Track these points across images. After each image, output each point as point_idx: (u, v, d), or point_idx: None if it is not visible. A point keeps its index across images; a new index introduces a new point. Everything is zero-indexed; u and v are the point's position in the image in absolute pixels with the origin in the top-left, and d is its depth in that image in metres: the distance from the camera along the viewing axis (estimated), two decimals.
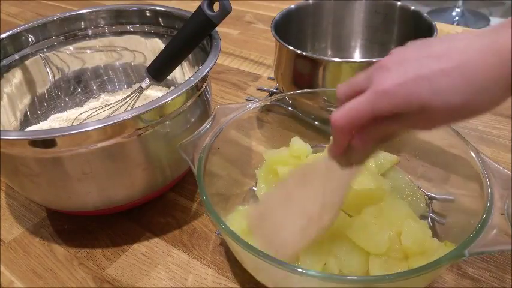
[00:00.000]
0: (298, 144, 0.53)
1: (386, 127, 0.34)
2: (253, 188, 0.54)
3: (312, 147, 0.54)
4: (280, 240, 0.39)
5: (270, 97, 0.56)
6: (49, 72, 0.66)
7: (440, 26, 0.89)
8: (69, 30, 0.66)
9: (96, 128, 0.42)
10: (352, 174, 0.38)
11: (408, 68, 0.31)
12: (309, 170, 0.41)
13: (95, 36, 0.67)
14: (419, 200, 0.49)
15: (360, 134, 0.35)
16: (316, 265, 0.41)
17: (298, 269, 0.35)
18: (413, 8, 0.69)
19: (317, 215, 0.38)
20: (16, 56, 0.62)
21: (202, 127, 0.49)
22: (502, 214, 0.37)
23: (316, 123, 0.60)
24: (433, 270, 0.35)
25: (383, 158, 0.52)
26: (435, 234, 0.46)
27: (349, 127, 0.34)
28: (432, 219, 0.48)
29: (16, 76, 0.62)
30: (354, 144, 0.35)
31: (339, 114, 0.34)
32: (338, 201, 0.38)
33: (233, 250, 0.44)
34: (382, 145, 0.37)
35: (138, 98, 0.62)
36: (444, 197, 0.49)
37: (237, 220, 0.46)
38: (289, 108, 0.58)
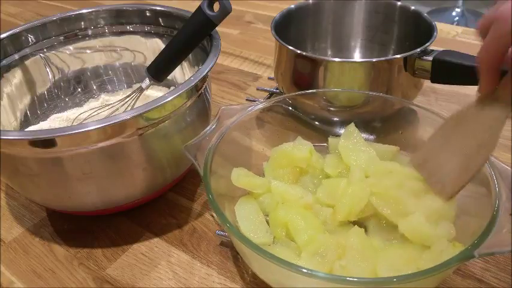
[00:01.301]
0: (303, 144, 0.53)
1: None
2: None
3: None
4: (444, 177, 0.44)
5: (275, 98, 0.55)
6: (49, 72, 0.66)
7: (440, 26, 0.89)
8: (69, 30, 0.66)
9: (96, 128, 0.42)
10: (503, 114, 0.40)
11: None
12: (463, 116, 0.44)
13: (95, 36, 0.67)
14: None
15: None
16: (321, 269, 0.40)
17: (304, 270, 0.34)
18: (413, 8, 0.69)
19: (475, 152, 0.42)
20: (16, 56, 0.62)
21: (207, 128, 0.49)
22: (510, 214, 0.37)
23: (316, 123, 0.60)
24: (442, 271, 0.34)
25: (382, 150, 0.52)
26: None
27: (491, 60, 0.36)
28: None
29: (16, 76, 0.62)
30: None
31: (480, 52, 0.36)
32: (493, 138, 0.41)
33: (239, 250, 0.44)
34: None
35: (138, 98, 0.62)
36: None
37: None
38: (290, 108, 0.58)
